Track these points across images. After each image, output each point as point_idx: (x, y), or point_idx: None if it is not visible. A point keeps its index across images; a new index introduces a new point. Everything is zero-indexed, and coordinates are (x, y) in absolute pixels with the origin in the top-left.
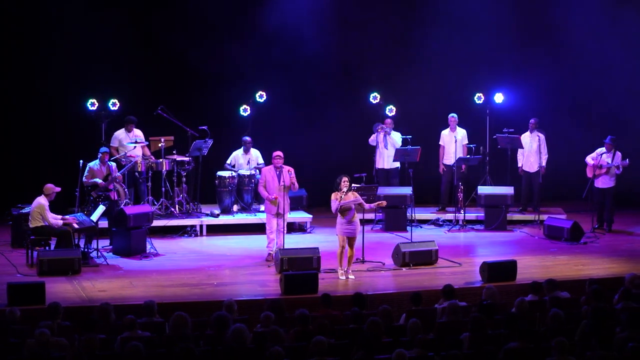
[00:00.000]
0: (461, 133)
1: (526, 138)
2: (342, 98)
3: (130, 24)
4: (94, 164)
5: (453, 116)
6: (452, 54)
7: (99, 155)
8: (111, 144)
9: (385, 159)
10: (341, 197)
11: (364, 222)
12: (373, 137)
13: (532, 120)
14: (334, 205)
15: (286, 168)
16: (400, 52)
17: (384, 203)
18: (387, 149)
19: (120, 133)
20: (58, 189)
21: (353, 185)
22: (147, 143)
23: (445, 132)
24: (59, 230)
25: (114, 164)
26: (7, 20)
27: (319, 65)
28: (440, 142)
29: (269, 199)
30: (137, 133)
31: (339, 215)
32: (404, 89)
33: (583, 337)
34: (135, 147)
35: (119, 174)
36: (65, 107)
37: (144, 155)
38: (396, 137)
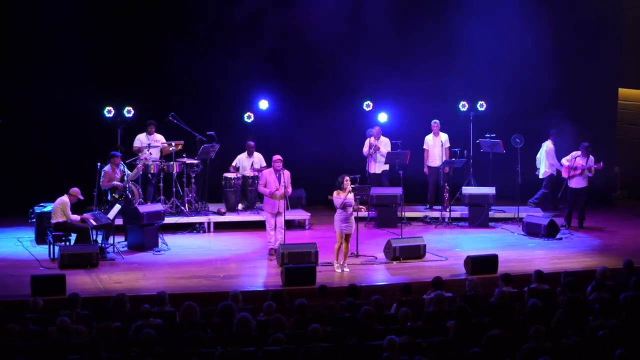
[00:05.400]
0: (444, 137)
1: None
2: (337, 106)
3: (144, 40)
4: (108, 168)
5: (435, 122)
6: (441, 64)
7: (110, 159)
8: (134, 144)
9: (376, 165)
10: (347, 194)
11: (358, 219)
12: (366, 150)
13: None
14: (339, 201)
15: (285, 171)
16: (391, 64)
17: (364, 209)
18: (376, 162)
19: (142, 135)
20: (82, 198)
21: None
22: (159, 146)
23: (429, 137)
24: (78, 227)
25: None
26: (32, 31)
27: (317, 75)
28: (425, 146)
29: (272, 193)
30: (158, 137)
31: (338, 212)
32: (394, 98)
33: (559, 325)
34: (149, 151)
35: (138, 166)
36: (84, 114)
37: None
38: (385, 143)
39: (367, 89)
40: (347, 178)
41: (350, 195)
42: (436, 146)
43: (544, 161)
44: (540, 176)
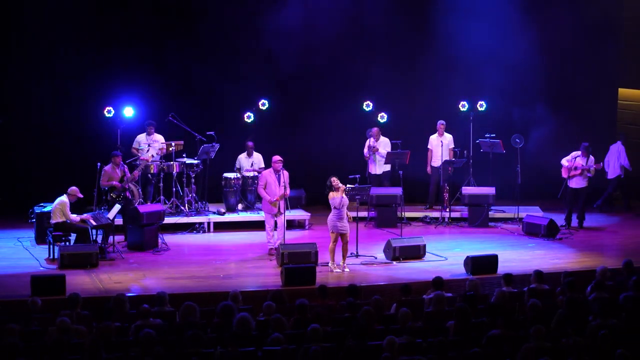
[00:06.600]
0: (448, 138)
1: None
2: (338, 106)
3: (144, 40)
4: (108, 167)
5: (442, 123)
6: (441, 64)
7: (111, 159)
8: (133, 146)
9: (377, 166)
10: (342, 193)
11: (358, 219)
12: (366, 151)
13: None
14: (338, 201)
15: (284, 171)
16: (391, 63)
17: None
18: (375, 163)
19: (141, 136)
20: (81, 196)
21: (347, 185)
22: (159, 147)
23: (433, 137)
24: (78, 227)
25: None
26: (32, 30)
27: (317, 75)
28: (429, 146)
29: (271, 201)
30: (157, 137)
31: (333, 212)
32: (394, 98)
33: (559, 325)
34: (148, 150)
35: (134, 172)
36: (84, 114)
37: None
38: (385, 144)
39: (367, 89)
40: (334, 178)
41: (344, 194)
42: (439, 146)
43: (614, 162)
44: (609, 177)
